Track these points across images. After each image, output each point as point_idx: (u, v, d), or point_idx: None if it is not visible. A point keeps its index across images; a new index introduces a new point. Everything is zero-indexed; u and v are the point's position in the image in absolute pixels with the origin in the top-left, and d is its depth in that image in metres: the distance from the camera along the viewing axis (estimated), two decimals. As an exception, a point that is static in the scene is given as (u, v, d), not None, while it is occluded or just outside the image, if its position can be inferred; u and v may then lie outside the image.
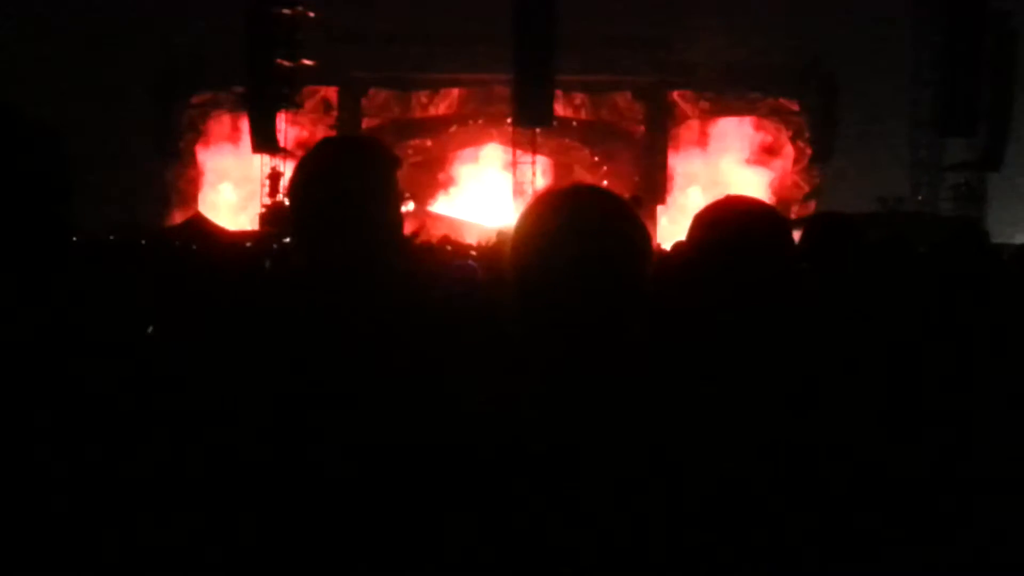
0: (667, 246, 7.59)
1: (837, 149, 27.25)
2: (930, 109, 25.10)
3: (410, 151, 28.33)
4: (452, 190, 29.49)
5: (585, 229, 1.98)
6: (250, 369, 2.33)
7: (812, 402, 2.35)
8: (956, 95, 23.96)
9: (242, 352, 2.37)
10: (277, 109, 25.63)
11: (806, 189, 28.78)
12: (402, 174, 2.53)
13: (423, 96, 30.25)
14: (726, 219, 2.48)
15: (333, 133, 27.99)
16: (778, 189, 29.03)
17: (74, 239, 2.62)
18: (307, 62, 26.09)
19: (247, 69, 25.40)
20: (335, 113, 29.23)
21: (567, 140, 30.11)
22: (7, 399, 1.97)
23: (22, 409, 1.97)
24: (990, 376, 3.23)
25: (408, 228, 2.59)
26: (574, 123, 29.92)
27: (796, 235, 5.97)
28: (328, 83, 28.92)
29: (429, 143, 30.39)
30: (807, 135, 28.99)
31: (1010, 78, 24.42)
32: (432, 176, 28.85)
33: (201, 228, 16.90)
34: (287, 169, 24.04)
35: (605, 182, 27.16)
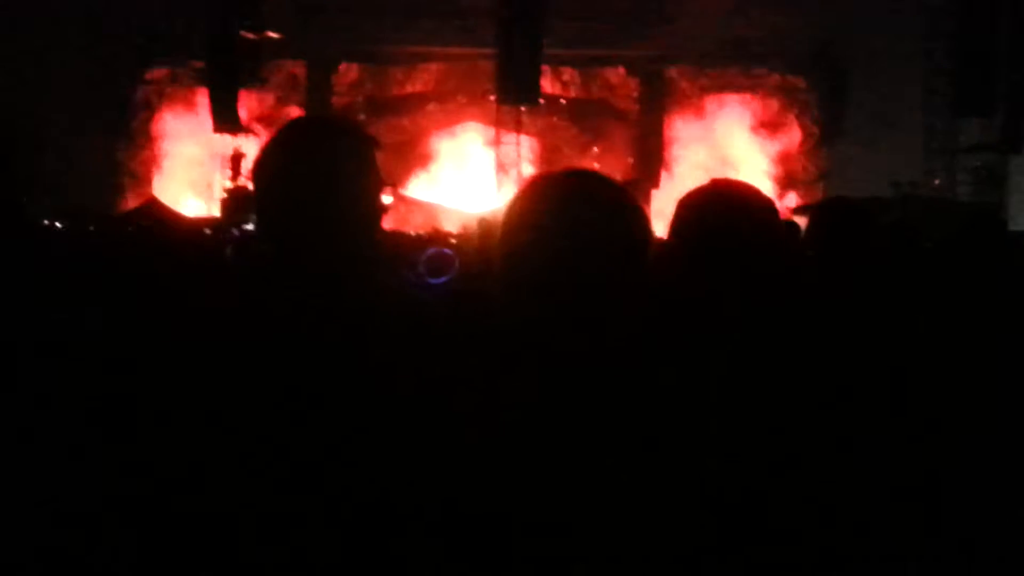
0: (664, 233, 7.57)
1: (847, 129, 27.24)
2: (945, 87, 25.16)
3: (384, 131, 28.26)
4: (430, 173, 29.42)
5: (578, 219, 1.98)
6: (211, 372, 2.31)
7: (817, 399, 2.36)
8: (972, 72, 24.01)
9: (202, 353, 2.35)
10: (240, 86, 25.53)
11: (813, 172, 28.77)
12: (379, 157, 2.51)
13: (398, 72, 30.12)
14: (713, 207, 2.48)
15: (301, 112, 27.97)
16: (783, 172, 29.03)
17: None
18: (272, 35, 26.00)
19: (207, 42, 25.31)
20: (303, 90, 29.10)
21: (555, 119, 30.04)
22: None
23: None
24: (1004, 375, 3.24)
25: (388, 218, 2.57)
26: (562, 101, 29.84)
27: (803, 222, 5.96)
28: (295, 57, 28.79)
29: (405, 122, 30.29)
30: (815, 115, 28.98)
31: (1029, 53, 24.47)
32: (408, 158, 28.76)
33: (156, 214, 16.81)
34: (250, 150, 23.98)
35: (596, 164, 27.17)
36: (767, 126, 29.32)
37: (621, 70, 29.72)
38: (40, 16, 23.98)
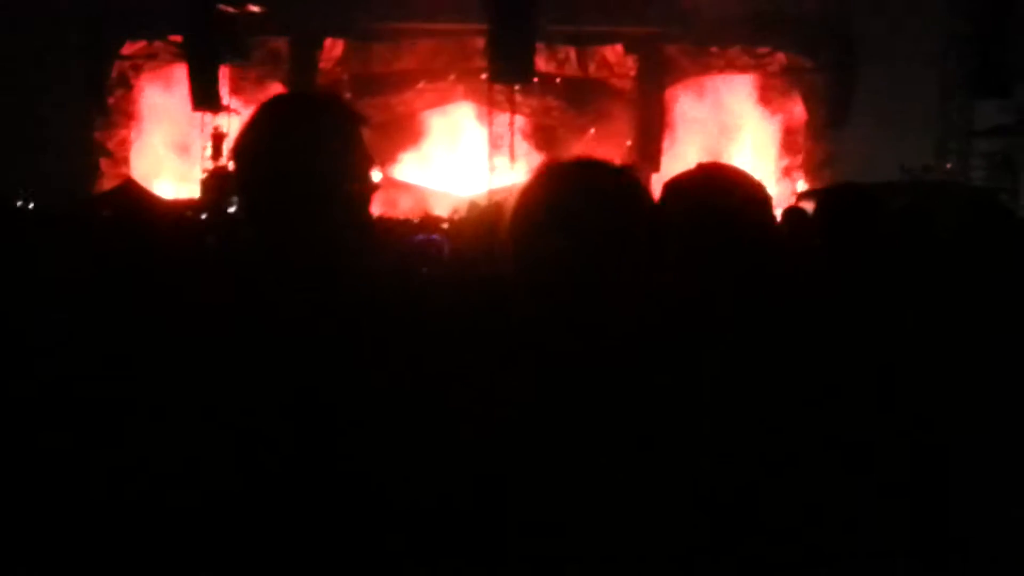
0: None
1: (855, 111, 27.20)
2: (960, 67, 25.09)
3: (371, 110, 28.19)
4: (419, 155, 29.38)
5: (580, 215, 1.99)
6: (197, 366, 2.31)
7: (815, 395, 2.38)
8: (989, 52, 23.94)
9: (186, 347, 2.35)
10: (220, 62, 25.49)
11: (820, 156, 28.73)
12: (366, 135, 2.49)
13: (386, 48, 30.03)
14: (700, 198, 2.49)
15: (284, 89, 27.90)
16: (789, 156, 29.04)
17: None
18: (253, 8, 25.94)
19: (185, 15, 25.25)
20: (286, 67, 29.00)
21: (550, 99, 30.01)
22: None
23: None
24: (1009, 367, 3.26)
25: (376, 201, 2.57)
26: (558, 80, 29.78)
27: (809, 208, 5.98)
28: (278, 33, 28.69)
29: (393, 101, 30.21)
30: (822, 96, 28.91)
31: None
32: (396, 139, 28.68)
33: (134, 196, 16.79)
34: (231, 129, 23.93)
35: (593, 146, 27.15)
36: (772, 107, 29.29)
37: (619, 48, 29.63)
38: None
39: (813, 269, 4.14)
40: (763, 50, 29.29)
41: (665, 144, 28.17)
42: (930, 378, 3.06)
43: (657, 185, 2.58)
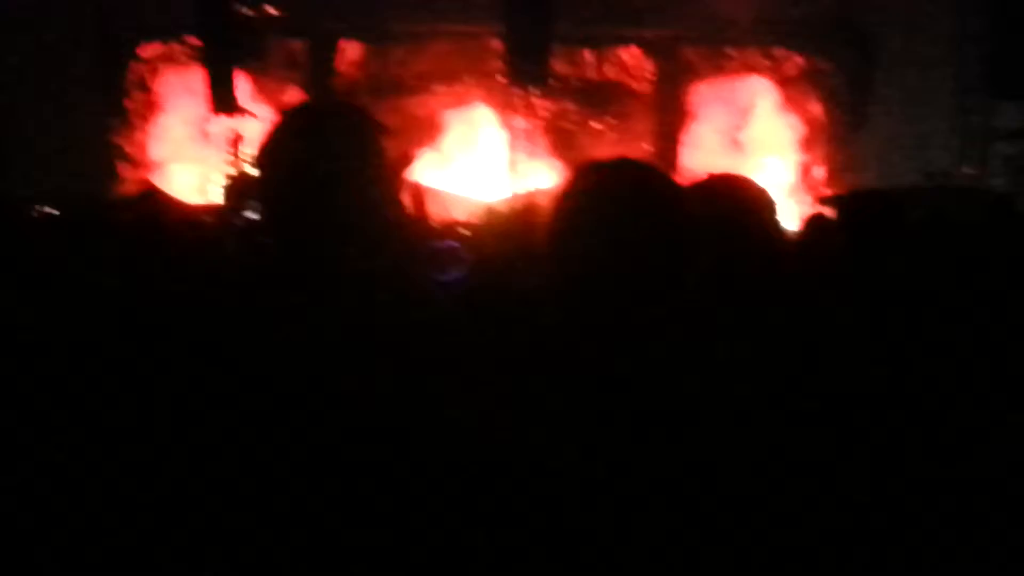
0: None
1: (875, 115, 27.10)
2: (980, 68, 24.96)
3: (388, 113, 28.18)
4: (437, 158, 29.36)
5: (634, 207, 1.99)
6: (215, 374, 2.32)
7: (847, 398, 2.39)
8: (1010, 52, 23.82)
9: (205, 356, 2.36)
10: (237, 64, 25.51)
11: (841, 160, 28.62)
12: (390, 144, 2.51)
13: (403, 50, 30.02)
14: (708, 205, 2.50)
15: (301, 92, 27.94)
16: (808, 160, 28.96)
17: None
18: (270, 10, 25.96)
19: (201, 17, 25.28)
20: (303, 69, 29.01)
21: (567, 101, 29.98)
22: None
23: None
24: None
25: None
26: (575, 82, 29.76)
27: (828, 213, 5.98)
28: (295, 35, 28.71)
29: (410, 104, 30.20)
30: (841, 99, 28.82)
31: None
32: (412, 142, 28.66)
33: (158, 202, 16.80)
34: (250, 132, 23.95)
35: (612, 150, 27.09)
36: (791, 110, 29.21)
37: (636, 50, 29.57)
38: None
39: (837, 275, 4.14)
40: (781, 52, 29.21)
41: (683, 147, 28.11)
42: (950, 384, 3.06)
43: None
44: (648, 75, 29.51)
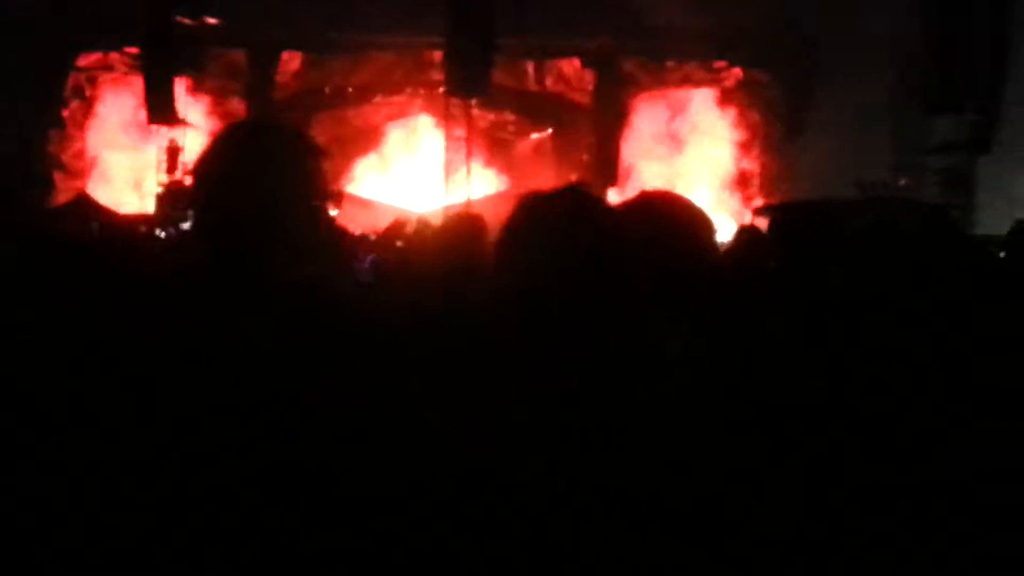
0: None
1: (811, 128, 27.34)
2: (915, 83, 25.20)
3: (328, 123, 28.14)
4: (376, 169, 29.34)
5: (573, 232, 2.12)
6: (147, 385, 2.31)
7: (785, 411, 2.41)
8: (943, 68, 24.06)
9: (134, 361, 2.35)
10: (176, 74, 25.35)
11: (777, 171, 28.87)
12: (326, 165, 2.55)
13: (343, 62, 29.99)
14: (642, 225, 2.55)
15: (241, 103, 27.85)
16: (745, 171, 29.18)
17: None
18: (211, 20, 25.84)
19: (142, 27, 25.11)
20: (243, 80, 28.90)
21: (507, 113, 30.05)
22: None
23: None
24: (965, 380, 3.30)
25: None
26: (515, 93, 29.81)
27: (762, 224, 6.00)
28: (235, 46, 28.59)
29: (349, 115, 30.18)
30: (778, 110, 29.07)
31: (1004, 48, 24.51)
32: (351, 152, 28.63)
33: (88, 210, 16.72)
34: (187, 143, 23.83)
35: (551, 162, 27.25)
36: (729, 122, 29.44)
37: (576, 62, 29.69)
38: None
39: (769, 285, 4.16)
40: (720, 64, 29.45)
41: (622, 158, 28.22)
42: (890, 392, 3.08)
43: (612, 199, 2.67)
44: (588, 86, 29.62)
